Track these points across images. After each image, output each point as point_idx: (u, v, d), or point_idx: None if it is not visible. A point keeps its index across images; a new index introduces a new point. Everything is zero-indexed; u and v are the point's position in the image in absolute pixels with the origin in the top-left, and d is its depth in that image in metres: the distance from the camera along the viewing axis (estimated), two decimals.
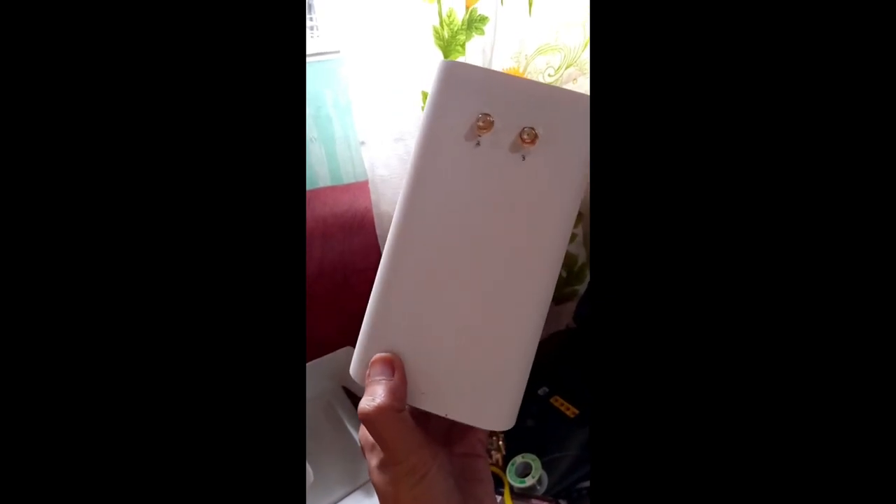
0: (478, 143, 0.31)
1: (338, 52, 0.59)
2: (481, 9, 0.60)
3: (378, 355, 0.32)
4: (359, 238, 0.73)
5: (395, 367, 0.31)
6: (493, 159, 0.30)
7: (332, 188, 0.74)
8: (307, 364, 0.72)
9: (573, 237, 0.83)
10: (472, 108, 0.31)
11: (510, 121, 0.30)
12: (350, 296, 0.75)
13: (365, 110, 0.58)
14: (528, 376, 0.31)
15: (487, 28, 0.62)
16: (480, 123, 0.30)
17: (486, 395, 0.31)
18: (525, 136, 0.30)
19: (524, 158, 0.30)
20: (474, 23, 0.59)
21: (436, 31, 0.60)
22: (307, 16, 0.66)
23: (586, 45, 0.79)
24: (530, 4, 0.70)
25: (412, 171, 0.31)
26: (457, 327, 0.31)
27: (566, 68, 0.78)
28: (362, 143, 0.58)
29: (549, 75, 0.78)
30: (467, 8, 0.58)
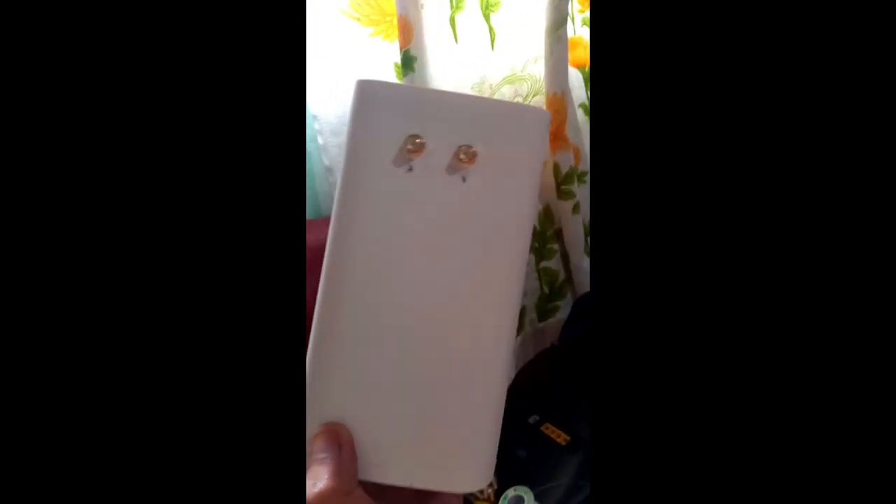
0: (409, 169, 0.27)
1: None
2: (413, 50, 0.64)
3: (321, 426, 0.27)
4: None
5: (341, 440, 0.27)
6: (429, 184, 0.27)
7: (312, 221, 0.79)
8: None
9: (552, 253, 0.86)
10: (399, 131, 0.27)
11: (444, 140, 0.27)
12: None
13: (329, 139, 0.63)
14: (500, 423, 0.28)
15: (416, 66, 0.66)
16: (410, 147, 0.27)
17: (456, 455, 0.27)
18: (462, 156, 0.27)
19: (464, 180, 0.28)
20: (408, 61, 0.63)
21: (397, 67, 0.66)
22: None
23: None
24: (492, 38, 0.76)
25: (337, 210, 0.28)
26: (410, 383, 0.27)
27: (533, 97, 0.82)
28: (328, 168, 0.63)
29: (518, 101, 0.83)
30: (401, 49, 0.63)
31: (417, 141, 0.27)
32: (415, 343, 0.27)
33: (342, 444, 0.27)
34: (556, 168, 0.83)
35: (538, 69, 0.82)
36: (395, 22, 0.64)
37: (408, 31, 0.61)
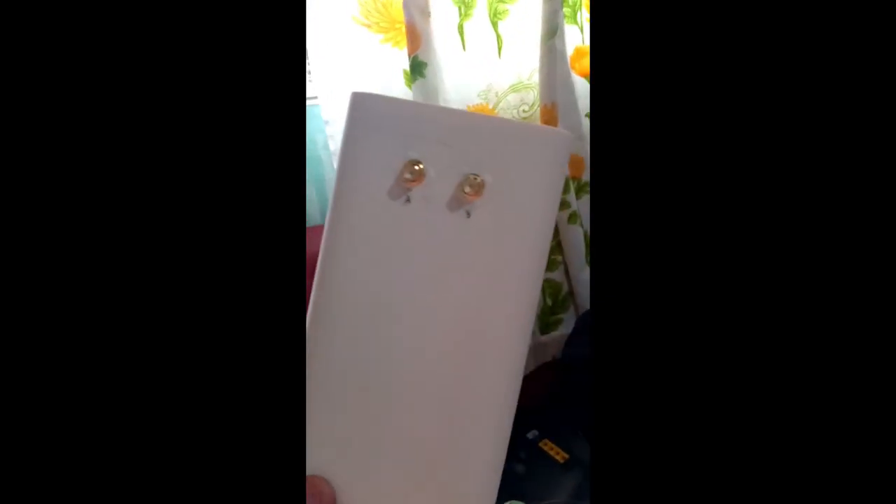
0: (407, 200, 0.24)
1: (315, 98, 0.64)
2: (421, 55, 0.64)
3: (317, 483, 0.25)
4: None
5: (322, 496, 0.25)
6: (428, 220, 0.24)
7: (322, 227, 0.79)
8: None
9: (555, 265, 0.85)
10: (396, 155, 0.24)
11: (447, 168, 0.24)
12: None
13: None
14: (499, 478, 0.26)
15: (427, 72, 0.66)
16: (408, 175, 0.24)
17: None
18: (468, 188, 0.24)
19: (469, 215, 0.24)
20: (416, 67, 0.63)
21: (406, 74, 0.66)
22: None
23: None
24: (500, 46, 0.76)
25: (324, 247, 0.25)
26: (402, 440, 0.25)
27: (540, 105, 0.82)
28: None
29: (524, 111, 0.83)
30: (409, 56, 0.63)
31: (417, 168, 0.24)
32: (408, 397, 0.25)
33: (323, 500, 0.25)
34: None
35: None
36: (404, 29, 0.64)
37: (415, 38, 0.61)
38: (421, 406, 0.25)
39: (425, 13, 0.62)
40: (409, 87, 0.66)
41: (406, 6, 0.59)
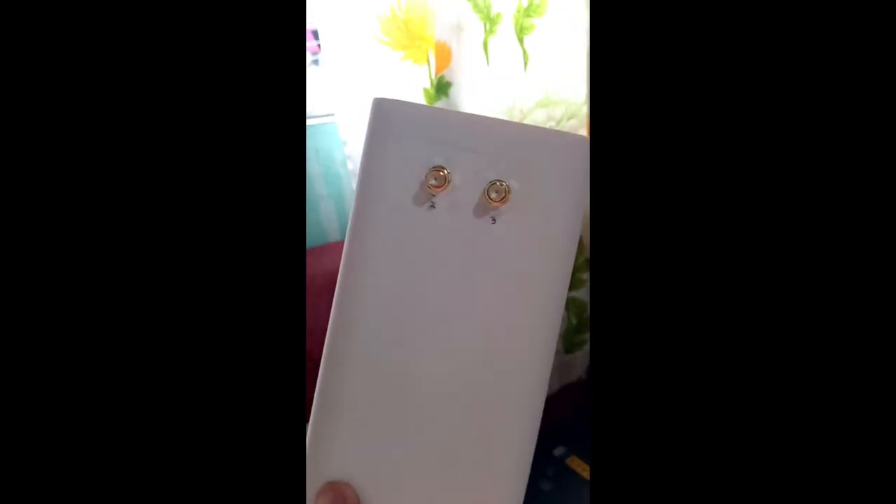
0: (431, 206, 0.24)
1: (332, 115, 0.63)
2: (447, 76, 0.63)
3: (325, 484, 0.25)
4: None
5: (346, 501, 0.25)
6: (453, 226, 0.24)
7: (342, 243, 0.78)
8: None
9: (581, 283, 0.83)
10: (421, 162, 0.24)
11: (472, 174, 0.24)
12: None
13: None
14: (525, 482, 0.25)
15: (451, 91, 0.64)
16: (433, 181, 0.24)
17: None
18: (493, 194, 0.24)
19: (494, 221, 0.24)
20: (442, 87, 0.62)
21: (426, 92, 0.64)
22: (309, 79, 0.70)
23: (587, 97, 0.81)
24: (525, 61, 0.73)
25: (347, 253, 0.25)
26: (426, 445, 0.24)
27: (567, 120, 0.80)
28: None
29: (551, 127, 0.80)
30: (436, 75, 0.61)
31: (442, 174, 0.24)
32: (432, 402, 0.25)
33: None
34: None
35: (573, 92, 0.79)
36: (424, 46, 0.62)
37: (444, 57, 0.59)
38: (446, 413, 0.24)
39: (458, 29, 0.60)
40: (431, 105, 0.64)
41: (438, 23, 0.57)
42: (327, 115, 0.71)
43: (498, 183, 0.24)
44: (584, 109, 0.81)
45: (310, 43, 0.69)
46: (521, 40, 0.72)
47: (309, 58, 0.71)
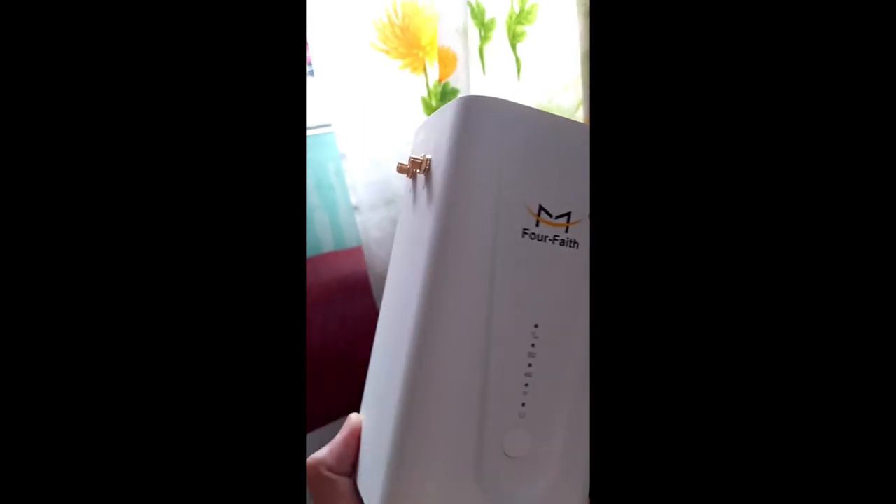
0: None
1: (329, 125, 0.62)
2: (453, 82, 0.62)
3: (352, 414, 0.30)
4: (361, 301, 0.74)
5: (350, 427, 0.29)
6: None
7: (336, 253, 0.76)
8: (311, 434, 0.72)
9: None
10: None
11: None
12: (355, 363, 0.76)
13: (357, 177, 0.60)
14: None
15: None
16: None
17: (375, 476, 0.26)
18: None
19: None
20: (447, 95, 0.61)
21: (424, 102, 0.63)
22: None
23: (579, 105, 0.81)
24: (518, 69, 0.73)
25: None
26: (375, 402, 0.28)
27: (587, 122, 0.80)
28: (356, 208, 0.60)
29: None
30: (440, 81, 0.61)
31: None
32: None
33: (349, 430, 0.29)
34: None
35: (566, 99, 0.79)
36: (421, 55, 0.62)
37: (449, 63, 0.58)
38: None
39: (463, 33, 0.60)
40: (429, 115, 0.63)
41: (441, 29, 0.56)
42: (322, 126, 0.70)
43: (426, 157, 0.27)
44: (577, 115, 0.81)
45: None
46: (514, 47, 0.72)
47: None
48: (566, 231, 0.26)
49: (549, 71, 0.76)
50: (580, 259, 0.26)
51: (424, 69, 0.62)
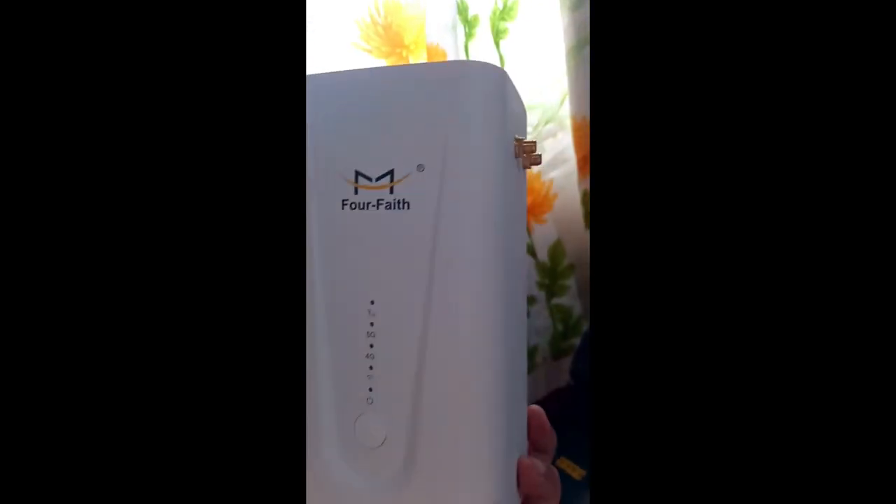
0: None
1: None
2: None
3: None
4: None
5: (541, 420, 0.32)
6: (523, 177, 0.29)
7: None
8: None
9: (564, 290, 0.82)
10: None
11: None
12: None
13: None
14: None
15: None
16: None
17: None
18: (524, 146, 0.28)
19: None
20: None
21: None
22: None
23: (563, 99, 0.80)
24: (502, 66, 0.72)
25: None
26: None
27: (545, 125, 0.79)
28: None
29: (528, 133, 0.79)
30: None
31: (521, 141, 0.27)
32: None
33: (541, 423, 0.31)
34: (586, 195, 0.79)
35: (550, 96, 0.78)
36: (405, 53, 0.61)
37: (439, 59, 0.57)
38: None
39: (452, 29, 0.58)
40: None
41: (429, 25, 0.55)
42: None
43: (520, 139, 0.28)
44: (561, 112, 0.80)
45: None
46: (497, 45, 0.71)
47: None
48: (391, 192, 0.25)
49: (532, 67, 0.76)
50: (413, 220, 0.25)
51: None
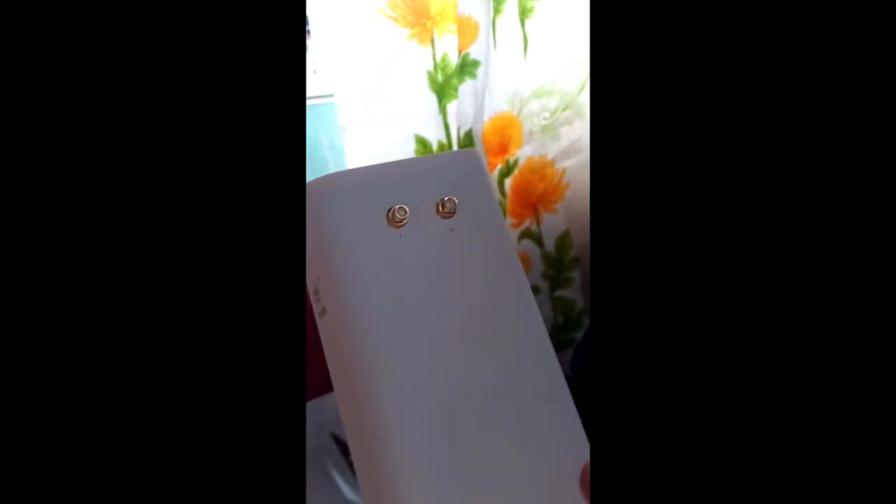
0: (400, 237, 0.28)
1: (331, 95, 0.58)
2: (474, 53, 0.59)
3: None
4: None
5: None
6: (422, 244, 0.28)
7: None
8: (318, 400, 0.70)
9: (569, 282, 0.81)
10: (377, 208, 0.28)
11: (419, 201, 0.28)
12: None
13: (358, 153, 0.57)
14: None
15: (479, 72, 0.61)
16: (398, 216, 0.28)
17: None
18: (447, 207, 0.28)
19: (452, 230, 0.28)
20: (467, 67, 0.58)
21: (430, 76, 0.60)
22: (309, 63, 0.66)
23: (583, 87, 0.78)
24: (525, 47, 0.70)
25: (348, 309, 0.27)
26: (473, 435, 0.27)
27: (562, 111, 0.77)
28: None
29: (545, 118, 0.77)
30: (460, 52, 0.57)
31: (402, 209, 0.28)
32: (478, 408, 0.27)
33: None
34: None
35: (569, 82, 0.76)
36: (430, 25, 0.58)
37: (470, 32, 0.54)
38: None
39: (486, 1, 0.56)
40: (434, 90, 0.60)
41: None
42: (318, 97, 0.66)
43: (448, 199, 0.28)
44: (580, 99, 0.78)
45: None
46: (522, 23, 0.69)
47: None
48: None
49: (555, 51, 0.73)
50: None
51: (432, 41, 0.58)
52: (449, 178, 0.29)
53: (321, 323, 0.29)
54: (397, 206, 0.27)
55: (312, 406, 0.71)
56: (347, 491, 0.68)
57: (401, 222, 0.27)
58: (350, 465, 0.70)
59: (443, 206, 0.28)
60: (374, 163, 0.30)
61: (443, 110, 0.63)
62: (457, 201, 0.28)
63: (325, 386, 0.74)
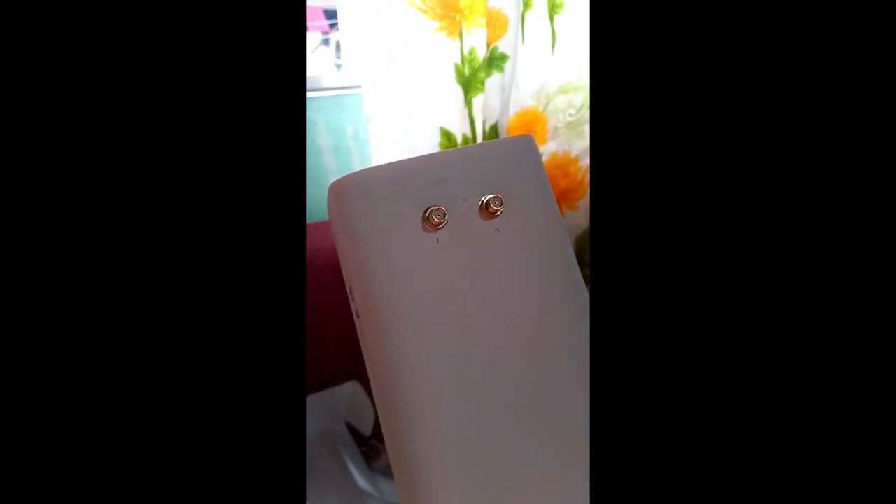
0: (437, 241, 0.26)
1: (359, 87, 0.58)
2: (502, 47, 0.59)
3: None
4: None
5: None
6: (462, 248, 0.26)
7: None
8: (309, 398, 0.70)
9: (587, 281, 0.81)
10: (412, 210, 0.26)
11: (461, 199, 0.26)
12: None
13: (382, 144, 0.57)
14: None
15: (507, 66, 0.61)
16: (435, 219, 0.25)
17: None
18: (492, 207, 0.26)
19: (498, 231, 0.26)
20: (495, 60, 0.58)
21: (457, 69, 0.60)
22: (335, 55, 0.66)
23: None
24: (553, 42, 0.70)
25: (382, 310, 0.25)
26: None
27: (588, 108, 0.77)
28: None
29: (570, 115, 0.77)
30: (488, 46, 0.57)
31: (439, 210, 0.25)
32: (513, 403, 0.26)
33: None
34: None
35: None
36: (458, 18, 0.58)
37: (500, 25, 0.54)
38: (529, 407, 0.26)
39: None
40: (460, 83, 0.60)
41: None
42: (344, 88, 0.67)
43: (493, 198, 0.26)
44: None
45: (320, 22, 0.64)
46: (551, 18, 0.68)
47: (319, 38, 0.66)
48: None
49: (583, 47, 0.73)
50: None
51: (460, 34, 0.58)
52: (497, 171, 0.26)
53: (357, 322, 0.28)
54: (434, 208, 0.25)
55: (327, 396, 0.72)
56: (360, 479, 0.68)
57: (438, 225, 0.25)
58: (364, 454, 0.70)
59: (487, 206, 0.26)
60: (398, 154, 0.30)
61: (468, 103, 0.63)
62: (503, 198, 0.26)
63: (341, 376, 0.74)
